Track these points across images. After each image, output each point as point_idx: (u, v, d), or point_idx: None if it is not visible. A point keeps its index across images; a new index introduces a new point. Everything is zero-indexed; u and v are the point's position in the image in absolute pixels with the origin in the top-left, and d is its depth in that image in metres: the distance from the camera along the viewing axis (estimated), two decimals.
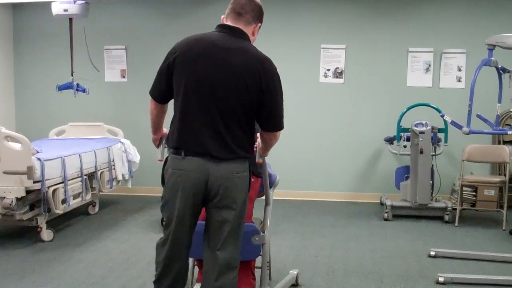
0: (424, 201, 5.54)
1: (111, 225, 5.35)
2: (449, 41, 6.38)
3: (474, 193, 5.85)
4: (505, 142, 6.15)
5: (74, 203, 4.96)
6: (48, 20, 6.25)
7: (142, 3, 6.81)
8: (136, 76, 6.87)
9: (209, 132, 2.43)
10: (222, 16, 2.55)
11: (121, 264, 4.14)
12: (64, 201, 4.75)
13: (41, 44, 7.00)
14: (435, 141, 5.65)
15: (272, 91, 2.46)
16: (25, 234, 4.88)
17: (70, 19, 5.91)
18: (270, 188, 3.28)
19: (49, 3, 5.78)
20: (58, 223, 5.20)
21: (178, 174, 2.48)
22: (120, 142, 6.00)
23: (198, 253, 2.77)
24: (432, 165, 5.66)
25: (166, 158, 2.59)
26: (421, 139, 5.47)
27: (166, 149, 2.82)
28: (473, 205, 5.87)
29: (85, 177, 5.13)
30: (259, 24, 2.55)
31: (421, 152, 5.47)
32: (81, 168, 5.05)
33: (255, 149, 2.70)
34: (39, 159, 4.44)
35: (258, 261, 3.23)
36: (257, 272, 3.27)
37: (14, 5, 6.96)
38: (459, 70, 6.38)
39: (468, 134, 4.21)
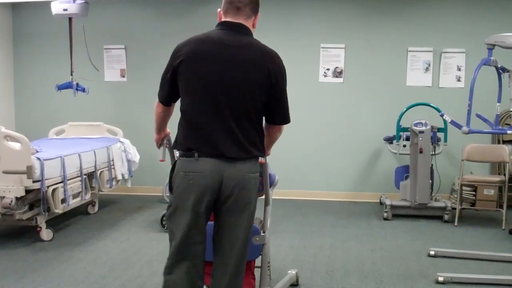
0: (423, 201, 5.54)
1: (111, 224, 5.34)
2: (449, 40, 6.38)
3: (473, 193, 5.86)
4: (504, 142, 6.15)
5: (73, 202, 4.96)
6: (47, 19, 6.24)
7: (142, 3, 6.81)
8: (135, 76, 6.87)
9: (222, 132, 2.37)
10: (219, 10, 2.50)
11: (121, 264, 4.14)
12: (63, 201, 4.75)
13: (40, 43, 7.00)
14: (435, 141, 5.66)
15: (281, 84, 2.46)
16: (25, 234, 4.88)
17: (70, 19, 5.91)
18: (270, 187, 3.26)
19: (49, 2, 5.78)
20: (57, 222, 5.20)
21: (190, 177, 2.39)
22: (120, 141, 6.00)
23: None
24: (432, 165, 5.66)
25: (174, 163, 2.50)
26: (420, 138, 5.47)
27: (167, 150, 2.81)
28: (473, 204, 5.87)
29: (84, 176, 5.13)
30: (258, 15, 2.51)
31: (421, 152, 5.47)
32: (80, 167, 5.05)
33: None
34: (38, 158, 4.44)
35: (258, 261, 3.23)
36: (256, 272, 3.27)
37: (13, 5, 6.96)
38: (459, 69, 6.38)
39: (467, 133, 4.21)
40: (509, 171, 5.65)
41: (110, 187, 5.71)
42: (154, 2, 6.78)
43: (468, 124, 4.17)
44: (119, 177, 5.83)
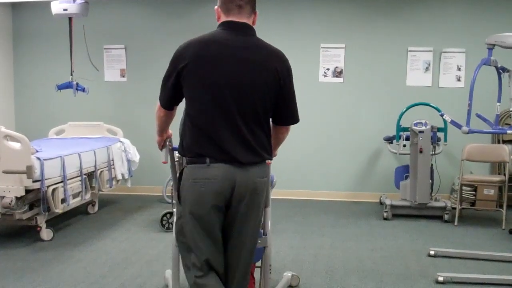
0: (423, 201, 5.54)
1: (111, 224, 5.34)
2: (449, 40, 6.38)
3: (473, 193, 5.86)
4: (504, 142, 6.15)
5: (73, 202, 4.96)
6: (47, 19, 6.24)
7: (142, 3, 6.81)
8: (135, 76, 6.87)
9: (233, 136, 2.30)
10: (216, 7, 2.42)
11: (121, 263, 4.14)
12: (63, 201, 4.75)
13: (40, 43, 7.00)
14: (435, 141, 5.65)
15: (288, 84, 2.42)
16: (25, 234, 4.88)
17: (70, 19, 5.91)
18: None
19: (49, 2, 5.78)
20: (57, 222, 5.20)
21: (201, 184, 2.30)
22: (120, 141, 6.00)
23: None
24: (432, 165, 5.66)
25: (181, 171, 2.41)
26: (420, 138, 5.47)
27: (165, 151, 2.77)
28: (473, 204, 5.87)
29: (84, 176, 5.13)
30: (257, 12, 2.44)
31: (421, 152, 5.47)
32: (80, 167, 5.05)
33: None
34: (38, 158, 4.44)
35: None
36: (256, 273, 3.27)
37: (13, 4, 6.96)
38: (459, 69, 6.38)
39: (467, 133, 4.21)
40: (509, 171, 5.65)
41: (110, 187, 5.71)
42: (154, 2, 6.78)
43: (468, 124, 4.17)
44: (119, 177, 5.83)
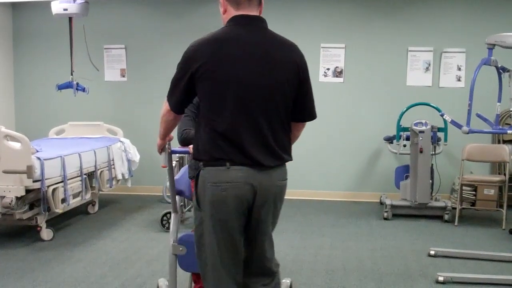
0: (423, 201, 5.53)
1: (111, 224, 5.35)
2: (449, 40, 6.38)
3: (473, 193, 5.85)
4: (504, 141, 6.15)
5: (73, 202, 4.97)
6: (47, 19, 6.24)
7: (142, 3, 6.81)
8: (135, 75, 6.87)
9: (254, 139, 2.19)
10: (224, 1, 2.26)
11: (121, 263, 4.14)
12: (63, 200, 4.75)
13: (40, 43, 7.00)
14: (435, 140, 5.65)
15: (308, 78, 2.32)
16: (25, 233, 4.88)
17: (70, 18, 5.91)
18: None
19: (49, 2, 5.78)
20: (57, 222, 5.20)
21: (222, 188, 2.17)
22: (120, 141, 6.00)
23: (194, 268, 2.65)
24: (432, 165, 5.66)
25: (197, 174, 2.28)
26: (420, 138, 5.47)
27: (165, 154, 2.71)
28: (473, 204, 5.87)
29: (84, 176, 5.13)
30: (262, 3, 2.31)
31: (421, 152, 5.47)
32: (80, 167, 5.05)
33: None
34: (38, 158, 4.44)
35: None
36: None
37: (13, 4, 6.96)
38: (459, 69, 6.38)
39: (467, 133, 4.21)
40: (509, 171, 5.64)
41: (110, 187, 5.71)
42: (154, 1, 6.78)
43: (468, 123, 4.17)
44: (119, 176, 5.83)
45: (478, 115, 4.25)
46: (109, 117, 6.64)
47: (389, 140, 6.12)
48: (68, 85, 6.02)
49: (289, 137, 2.35)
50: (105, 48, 6.90)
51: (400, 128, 5.81)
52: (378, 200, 6.39)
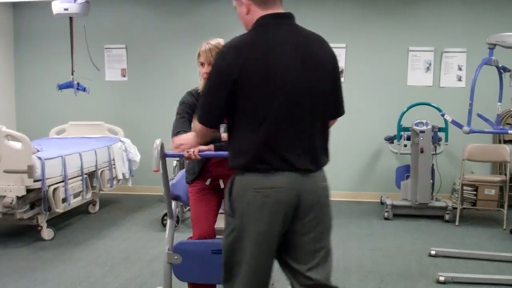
0: (424, 200, 5.53)
1: (111, 224, 5.35)
2: (450, 40, 6.38)
3: (474, 192, 5.85)
4: (505, 141, 6.14)
5: (74, 202, 4.97)
6: (48, 19, 6.23)
7: (143, 2, 6.81)
8: (136, 75, 6.87)
9: (299, 142, 2.08)
10: (247, 0, 2.11)
11: (121, 263, 4.15)
12: (64, 200, 4.75)
13: (41, 43, 7.01)
14: (436, 140, 5.65)
15: (339, 73, 2.25)
16: (26, 233, 4.88)
17: (71, 18, 5.90)
18: None
19: (50, 2, 5.77)
20: (58, 222, 5.20)
21: (264, 194, 2.04)
22: (121, 141, 6.01)
23: (190, 277, 2.65)
24: (433, 164, 5.66)
25: (232, 180, 2.14)
26: (421, 138, 5.47)
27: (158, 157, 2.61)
28: (474, 204, 5.86)
29: (85, 176, 5.13)
30: None
31: (422, 151, 5.47)
32: (81, 167, 5.06)
33: None
34: (39, 158, 4.44)
35: None
36: None
37: (14, 4, 6.96)
38: (460, 69, 6.38)
39: (468, 133, 4.21)
40: (510, 171, 5.63)
41: (111, 187, 5.71)
42: (155, 1, 6.78)
43: (469, 123, 4.17)
44: (120, 176, 5.83)
45: (479, 115, 4.25)
46: (109, 117, 6.64)
47: (390, 140, 6.11)
48: (68, 85, 6.02)
49: (328, 137, 2.24)
50: (106, 48, 6.90)
51: (401, 128, 5.81)
52: (379, 200, 6.38)
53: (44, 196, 4.48)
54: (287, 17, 2.14)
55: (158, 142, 2.57)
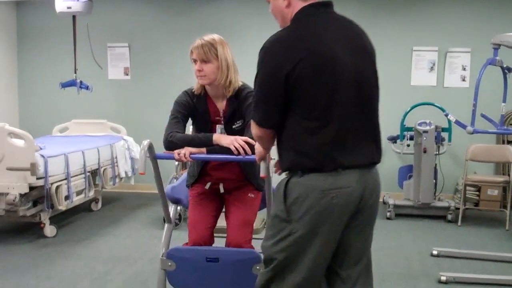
0: (427, 200, 5.52)
1: (114, 221, 5.35)
2: (454, 40, 6.36)
3: (477, 193, 5.84)
4: (509, 142, 6.12)
5: (77, 199, 4.98)
6: (51, 17, 6.24)
7: (146, 1, 6.81)
8: (139, 74, 6.87)
9: (361, 137, 2.00)
10: None
11: (123, 260, 4.15)
12: (67, 198, 4.76)
13: (44, 41, 7.01)
14: (439, 140, 5.63)
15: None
16: (28, 230, 4.89)
17: (74, 17, 5.90)
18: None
19: (53, 0, 5.78)
20: (61, 219, 5.21)
21: (332, 195, 1.89)
22: (123, 139, 6.01)
23: (184, 285, 2.61)
24: (436, 165, 5.65)
25: (287, 182, 1.98)
26: (424, 138, 5.46)
27: (147, 159, 2.49)
28: (476, 204, 5.85)
29: (88, 174, 5.14)
30: None
31: (425, 151, 5.46)
32: (84, 165, 5.06)
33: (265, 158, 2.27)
34: (42, 155, 4.45)
35: None
36: None
37: (17, 3, 6.97)
38: (464, 69, 6.36)
39: (472, 133, 4.20)
40: None
41: (113, 185, 5.72)
42: (158, 0, 6.78)
43: (472, 124, 4.16)
44: (122, 174, 5.84)
45: (483, 115, 4.24)
46: (112, 115, 6.64)
47: (393, 139, 6.09)
48: (71, 83, 6.02)
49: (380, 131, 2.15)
50: (109, 47, 6.91)
51: (404, 128, 5.80)
52: (381, 200, 6.38)
53: (47, 193, 4.49)
54: (328, 5, 2.03)
55: (145, 143, 2.48)
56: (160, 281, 2.70)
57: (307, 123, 1.91)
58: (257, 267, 2.50)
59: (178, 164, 5.29)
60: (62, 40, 6.62)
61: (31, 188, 4.42)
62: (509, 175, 5.69)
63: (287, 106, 1.93)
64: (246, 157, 2.47)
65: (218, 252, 2.60)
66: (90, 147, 5.30)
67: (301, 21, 1.96)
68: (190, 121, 2.86)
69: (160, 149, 2.66)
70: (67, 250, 4.38)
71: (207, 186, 2.84)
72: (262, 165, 2.29)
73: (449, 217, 5.49)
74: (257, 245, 2.77)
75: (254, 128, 2.03)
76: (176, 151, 2.56)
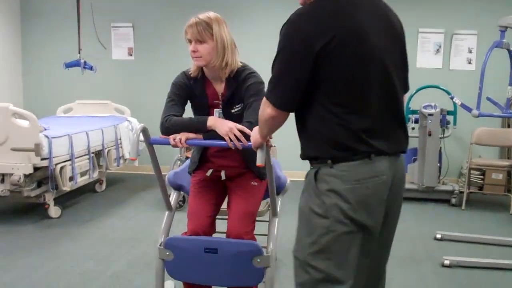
0: (431, 184, 5.52)
1: (118, 202, 5.37)
2: (460, 22, 6.29)
3: (481, 177, 5.83)
4: None
5: (81, 180, 4.99)
6: None
7: None
8: (143, 54, 6.84)
9: (393, 120, 1.86)
10: None
11: (128, 241, 4.17)
12: (71, 179, 4.77)
13: (48, 21, 6.98)
14: (444, 124, 5.61)
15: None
16: (33, 211, 4.92)
17: None
18: (278, 195, 2.77)
19: None
20: (65, 200, 5.23)
21: (367, 185, 1.74)
22: (127, 120, 6.01)
23: (182, 276, 2.52)
24: (440, 148, 5.63)
25: (316, 172, 1.81)
26: (429, 121, 5.43)
27: (143, 145, 2.41)
28: (481, 188, 5.85)
29: (92, 155, 5.14)
30: None
31: (429, 135, 5.44)
32: (88, 146, 5.06)
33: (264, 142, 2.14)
34: (46, 136, 4.45)
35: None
36: None
37: None
38: (470, 52, 6.31)
39: (477, 117, 4.18)
40: None
41: (118, 166, 5.73)
42: None
43: (478, 107, 4.14)
44: (127, 155, 5.85)
45: (488, 99, 4.21)
46: (116, 96, 6.64)
47: None
48: (75, 64, 6.01)
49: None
50: (113, 27, 6.87)
51: (409, 111, 5.77)
52: None
53: (51, 174, 4.50)
54: None
55: (138, 127, 2.36)
56: (158, 271, 2.57)
57: (336, 107, 1.74)
58: (258, 260, 2.42)
59: (181, 148, 5.28)
60: (66, 20, 6.59)
61: (36, 168, 4.43)
62: None
63: (310, 88, 1.75)
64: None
65: (216, 243, 2.47)
66: (94, 128, 5.29)
67: None
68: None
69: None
70: (71, 231, 4.41)
71: (209, 173, 2.70)
72: (259, 153, 2.14)
73: (453, 201, 5.49)
74: (260, 238, 2.76)
75: (267, 108, 1.81)
76: (171, 136, 2.41)
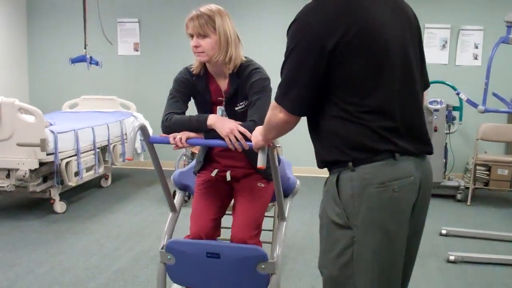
0: (436, 180, 5.49)
1: (123, 198, 5.39)
2: (467, 17, 6.26)
3: (487, 172, 5.80)
4: None
5: (86, 175, 5.00)
6: None
7: None
8: (149, 50, 6.84)
9: (417, 117, 1.74)
10: None
11: (133, 237, 4.19)
12: (77, 174, 4.79)
13: (54, 16, 6.99)
14: (450, 119, 5.60)
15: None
16: (38, 206, 4.94)
17: None
18: (287, 197, 2.69)
19: None
20: (71, 195, 5.25)
21: (393, 187, 1.62)
22: (133, 116, 6.02)
23: (184, 280, 2.45)
24: (446, 143, 5.61)
25: (336, 180, 1.69)
26: (435, 117, 5.41)
27: (141, 144, 2.31)
28: (486, 184, 5.82)
29: (98, 150, 5.16)
30: None
31: (435, 130, 5.42)
32: (94, 141, 5.08)
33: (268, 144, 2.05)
34: (52, 131, 4.47)
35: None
36: None
37: None
38: (476, 47, 6.27)
39: (483, 112, 4.16)
40: None
41: (123, 161, 5.74)
42: None
43: (484, 103, 4.12)
44: None
45: (495, 94, 4.19)
46: (122, 91, 6.64)
47: None
48: (81, 59, 6.01)
49: None
50: (119, 22, 6.87)
51: None
52: None
53: (57, 169, 4.52)
54: None
55: (136, 125, 2.27)
56: (160, 275, 2.48)
57: (352, 106, 1.63)
58: (262, 266, 2.31)
59: (187, 149, 5.28)
60: (72, 15, 6.59)
61: (41, 164, 4.45)
62: None
63: (324, 88, 1.64)
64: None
65: (219, 248, 2.36)
66: (100, 123, 5.31)
67: None
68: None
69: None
70: (77, 226, 4.43)
71: (214, 173, 2.59)
72: (260, 155, 2.04)
73: (459, 196, 5.48)
74: (264, 234, 2.71)
75: (279, 114, 1.70)
76: (171, 136, 2.29)
